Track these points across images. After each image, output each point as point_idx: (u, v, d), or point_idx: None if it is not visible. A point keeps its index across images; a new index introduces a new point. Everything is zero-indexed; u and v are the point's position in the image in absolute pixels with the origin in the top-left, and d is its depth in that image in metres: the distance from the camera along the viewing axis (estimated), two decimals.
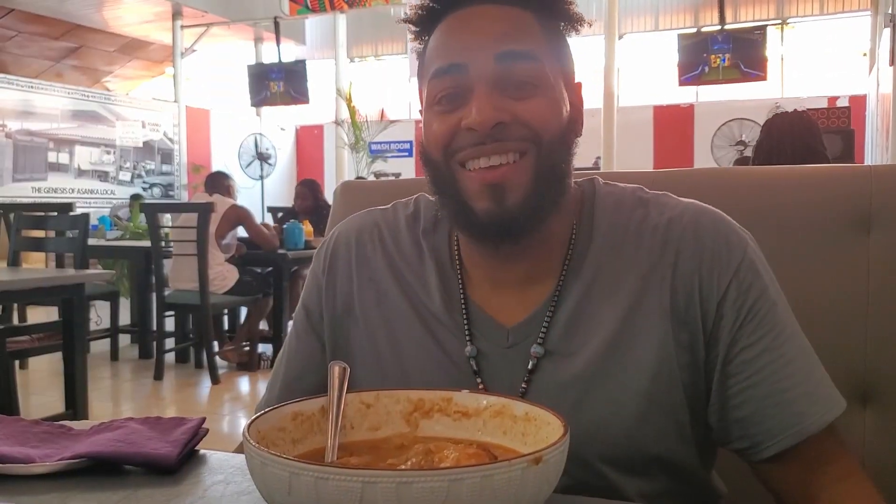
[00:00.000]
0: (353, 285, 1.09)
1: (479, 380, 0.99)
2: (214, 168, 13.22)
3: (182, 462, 0.90)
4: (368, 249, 1.11)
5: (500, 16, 0.97)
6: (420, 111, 1.05)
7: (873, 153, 10.69)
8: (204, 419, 0.98)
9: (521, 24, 0.97)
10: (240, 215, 6.08)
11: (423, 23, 1.04)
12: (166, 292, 5.91)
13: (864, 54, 12.13)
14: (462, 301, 1.04)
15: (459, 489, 0.59)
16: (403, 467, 0.70)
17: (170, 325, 6.36)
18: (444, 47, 0.99)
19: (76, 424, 1.00)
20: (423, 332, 1.03)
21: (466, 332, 1.02)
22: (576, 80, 1.03)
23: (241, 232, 6.21)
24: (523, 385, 0.97)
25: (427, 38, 1.04)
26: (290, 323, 1.19)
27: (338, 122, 13.74)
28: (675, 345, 0.96)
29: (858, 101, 11.83)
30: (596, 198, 1.05)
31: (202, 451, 0.94)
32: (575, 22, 1.03)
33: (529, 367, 0.98)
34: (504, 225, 0.95)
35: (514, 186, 0.94)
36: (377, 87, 14.31)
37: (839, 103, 11.80)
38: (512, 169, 0.94)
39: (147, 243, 6.20)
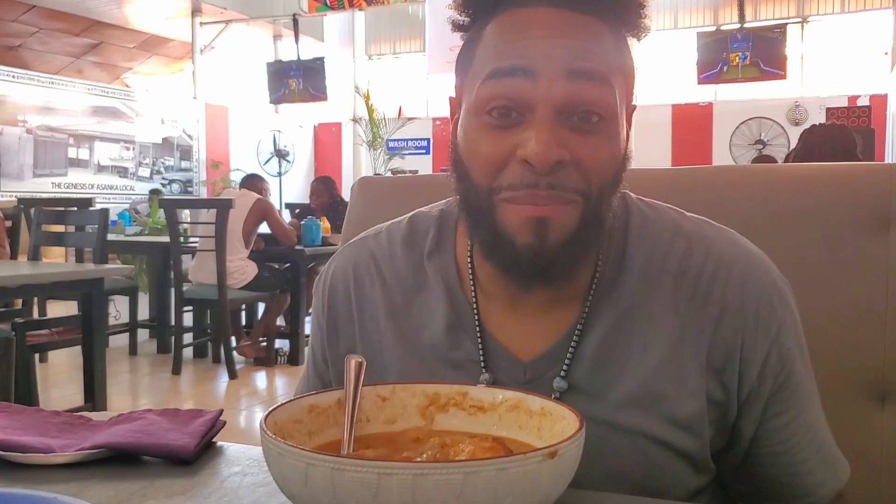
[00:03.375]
0: (355, 327, 1.02)
1: None
2: (233, 165, 13.30)
3: (199, 453, 0.90)
4: (367, 287, 1.02)
5: (576, 23, 0.86)
6: (451, 101, 0.96)
7: (894, 152, 10.60)
8: (221, 411, 0.99)
9: (597, 37, 0.87)
10: (264, 209, 6.13)
11: (477, 5, 0.93)
12: (185, 287, 5.94)
13: (886, 53, 12.02)
14: (477, 330, 0.95)
15: (475, 482, 0.59)
16: (419, 460, 0.70)
17: (188, 320, 6.39)
18: (506, 46, 0.87)
19: (95, 415, 1.01)
20: (425, 376, 0.94)
21: (482, 366, 0.94)
22: (633, 102, 0.94)
23: (263, 226, 6.24)
24: None
25: (478, 24, 0.92)
26: (308, 324, 1.14)
27: (355, 120, 13.76)
28: (708, 401, 0.90)
29: (879, 101, 11.73)
30: (630, 220, 0.97)
31: (219, 443, 0.95)
32: (642, 32, 0.93)
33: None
34: (542, 264, 0.87)
35: (559, 223, 0.86)
36: (395, 85, 14.32)
37: (860, 102, 11.72)
38: (559, 207, 0.86)
39: (166, 239, 6.23)
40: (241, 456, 0.91)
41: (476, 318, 0.96)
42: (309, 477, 0.61)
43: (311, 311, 1.11)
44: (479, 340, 0.95)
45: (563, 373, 0.91)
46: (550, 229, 0.86)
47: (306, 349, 1.11)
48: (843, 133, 3.30)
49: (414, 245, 1.03)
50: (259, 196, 6.17)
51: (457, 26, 0.95)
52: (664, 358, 0.90)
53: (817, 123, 3.53)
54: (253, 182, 6.46)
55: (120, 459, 0.89)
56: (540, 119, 0.84)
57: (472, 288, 0.97)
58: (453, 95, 0.96)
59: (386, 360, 0.98)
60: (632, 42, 0.93)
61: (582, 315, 0.93)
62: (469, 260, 0.98)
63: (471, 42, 0.92)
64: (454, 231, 1.02)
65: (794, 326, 0.94)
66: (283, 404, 0.76)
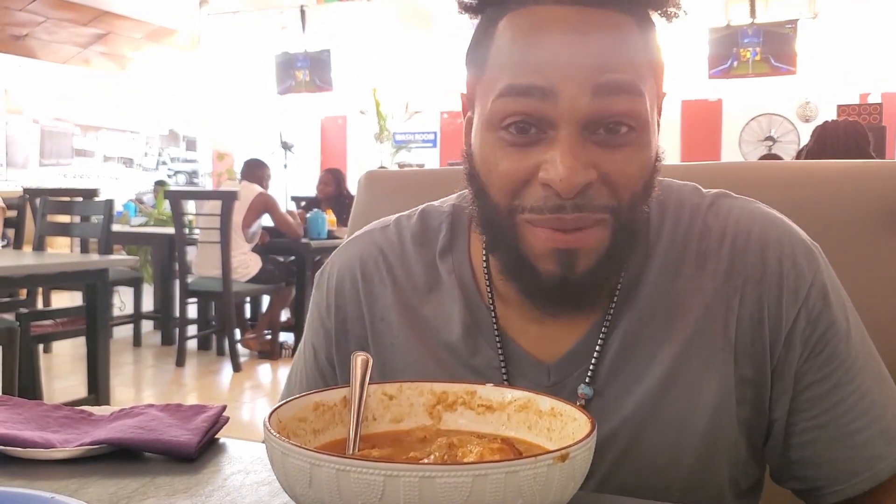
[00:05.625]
0: (367, 328, 0.97)
1: None
2: (239, 156, 13.27)
3: (202, 450, 0.89)
4: (377, 284, 0.97)
5: (596, 22, 0.79)
6: (463, 98, 0.89)
7: None
8: (224, 407, 0.97)
9: (622, 35, 0.80)
10: (266, 203, 6.09)
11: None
12: (189, 279, 5.93)
13: None
14: (496, 334, 0.91)
15: (483, 485, 0.58)
16: (426, 461, 0.69)
17: (192, 312, 6.39)
18: (521, 57, 0.80)
19: (97, 410, 1.00)
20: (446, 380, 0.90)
21: (503, 371, 0.90)
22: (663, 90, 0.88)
23: (266, 220, 6.22)
24: None
25: (489, 14, 0.85)
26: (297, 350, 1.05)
27: (362, 112, 13.73)
28: (737, 379, 0.86)
29: (890, 98, 11.68)
30: (650, 212, 0.91)
31: (222, 440, 0.93)
32: (671, 10, 0.86)
33: None
34: (569, 291, 0.83)
35: (587, 251, 0.81)
36: (402, 77, 14.28)
37: (870, 99, 11.66)
38: (587, 234, 0.81)
39: (171, 230, 6.23)
40: (244, 453, 0.89)
41: (494, 321, 0.92)
42: (313, 478, 0.60)
43: (312, 305, 1.05)
44: (499, 345, 0.91)
45: (587, 378, 0.88)
46: (579, 259, 0.82)
47: (301, 345, 1.06)
48: (856, 130, 3.29)
49: (426, 242, 0.98)
50: (260, 190, 6.13)
51: (463, 6, 0.88)
52: (689, 341, 0.86)
53: (830, 120, 3.51)
54: (253, 170, 6.36)
55: (121, 455, 0.87)
56: (563, 140, 0.78)
57: (489, 289, 0.93)
58: (464, 92, 0.90)
59: (399, 364, 0.94)
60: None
61: (606, 318, 0.89)
62: (484, 260, 0.94)
63: (482, 38, 0.85)
64: (467, 229, 0.97)
65: (829, 288, 0.88)
66: (287, 402, 0.75)
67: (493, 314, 0.92)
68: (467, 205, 0.93)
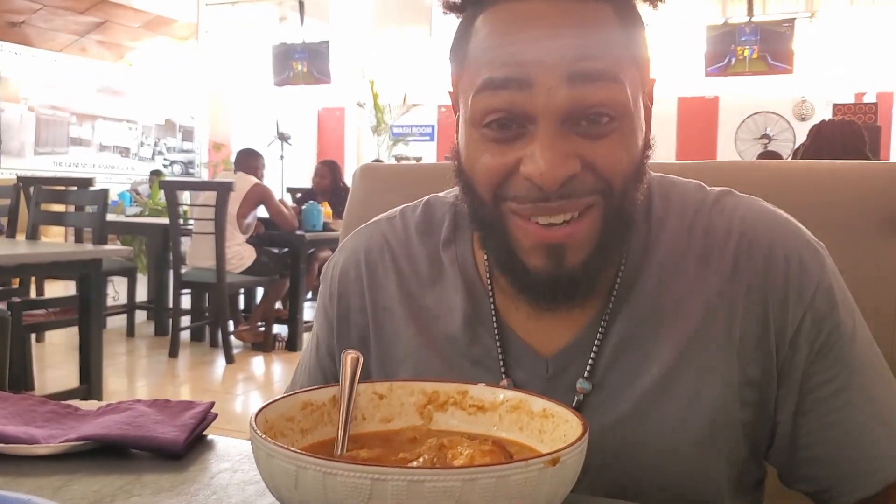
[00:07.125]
0: (368, 317, 0.97)
1: None
2: (235, 147, 13.24)
3: (189, 447, 0.88)
4: (381, 275, 0.97)
5: (573, 14, 0.78)
6: (451, 96, 0.89)
7: None
8: (212, 404, 0.96)
9: (600, 26, 0.79)
10: (261, 194, 6.07)
11: None
12: (183, 270, 5.92)
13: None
14: (494, 325, 0.91)
15: (473, 489, 0.57)
16: (416, 463, 0.67)
17: (186, 302, 6.38)
18: (497, 51, 0.79)
19: (83, 405, 0.98)
20: (445, 371, 0.91)
21: (501, 363, 0.90)
22: (650, 77, 0.87)
23: (261, 211, 6.20)
24: None
25: (469, 11, 0.85)
26: (308, 309, 1.08)
27: (360, 104, 13.70)
28: (741, 380, 0.85)
29: (886, 98, 11.69)
30: (652, 208, 0.91)
31: (210, 437, 0.92)
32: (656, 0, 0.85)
33: (574, 403, 0.86)
34: (560, 285, 0.82)
35: (576, 245, 0.81)
36: (400, 70, 14.26)
37: (866, 99, 11.66)
38: (576, 227, 0.80)
39: (166, 220, 6.21)
40: (232, 451, 0.88)
41: (493, 312, 0.92)
42: (299, 480, 0.59)
43: (318, 297, 1.05)
44: (497, 336, 0.91)
45: (586, 373, 0.87)
46: (568, 252, 0.81)
47: (307, 336, 1.09)
48: (852, 130, 3.29)
49: (429, 233, 0.98)
50: (256, 181, 6.10)
51: (447, 5, 0.87)
52: (691, 339, 0.85)
53: (826, 119, 3.52)
54: (247, 161, 6.32)
55: (107, 452, 0.86)
56: (542, 133, 0.78)
57: (489, 280, 0.93)
58: (451, 91, 0.90)
59: (401, 354, 0.94)
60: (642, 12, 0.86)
61: (605, 312, 0.88)
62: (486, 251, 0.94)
63: (462, 34, 0.85)
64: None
65: (835, 289, 0.86)
66: (275, 401, 0.73)
67: (492, 304, 0.92)
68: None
